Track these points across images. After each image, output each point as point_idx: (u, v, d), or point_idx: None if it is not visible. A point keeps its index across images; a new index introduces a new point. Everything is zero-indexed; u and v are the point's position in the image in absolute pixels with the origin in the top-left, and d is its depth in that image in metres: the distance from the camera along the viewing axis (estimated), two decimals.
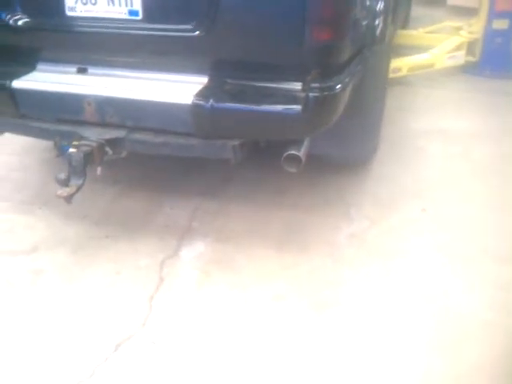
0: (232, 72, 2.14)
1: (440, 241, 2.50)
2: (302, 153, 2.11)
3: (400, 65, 4.11)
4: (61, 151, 2.33)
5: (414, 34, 4.98)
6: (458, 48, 4.40)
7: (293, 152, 2.10)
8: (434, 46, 4.43)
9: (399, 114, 3.76)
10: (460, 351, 1.94)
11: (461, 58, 4.39)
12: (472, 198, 2.82)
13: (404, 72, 4.15)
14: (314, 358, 1.93)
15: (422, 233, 2.56)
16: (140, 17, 2.15)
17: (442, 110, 3.85)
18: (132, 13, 2.16)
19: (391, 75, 3.90)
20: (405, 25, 5.21)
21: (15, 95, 2.32)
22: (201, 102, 2.07)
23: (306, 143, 2.19)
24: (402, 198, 2.81)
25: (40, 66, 2.41)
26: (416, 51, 4.44)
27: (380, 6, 2.48)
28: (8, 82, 2.31)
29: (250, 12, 2.00)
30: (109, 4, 2.17)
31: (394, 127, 3.53)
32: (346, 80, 2.11)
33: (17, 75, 2.34)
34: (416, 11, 5.91)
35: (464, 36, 4.49)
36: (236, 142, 2.16)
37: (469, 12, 5.29)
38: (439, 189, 2.89)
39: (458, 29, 4.69)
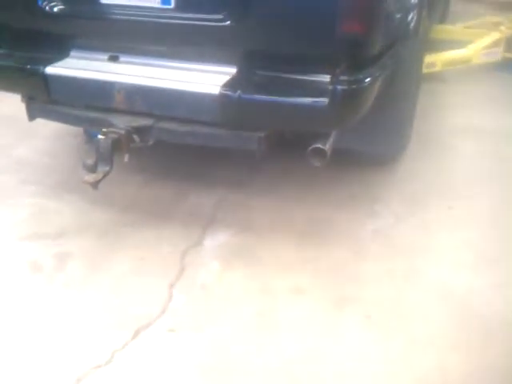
0: (260, 63, 2.13)
1: (466, 239, 2.46)
2: (327, 146, 2.10)
3: (435, 60, 4.01)
4: (90, 138, 2.36)
5: (452, 29, 4.85)
6: (496, 44, 4.27)
7: (318, 145, 2.09)
8: (472, 41, 4.31)
9: (432, 109, 3.69)
10: (481, 351, 1.91)
11: (498, 54, 4.26)
12: (501, 197, 2.75)
13: (439, 67, 4.06)
14: (331, 355, 1.92)
15: (448, 230, 2.52)
16: (172, 5, 2.16)
17: (475, 107, 3.76)
18: (164, 1, 2.17)
19: (426, 70, 3.82)
20: (443, 19, 5.09)
21: (48, 81, 2.36)
22: (228, 93, 2.07)
23: (332, 137, 2.18)
24: (429, 195, 2.77)
25: (73, 53, 2.44)
26: (453, 46, 4.33)
27: None
28: (42, 68, 2.35)
29: (281, 3, 1.99)
30: None
31: (426, 123, 3.46)
32: (376, 74, 2.08)
33: (50, 61, 2.38)
34: (456, 6, 5.77)
35: (503, 32, 4.36)
36: (262, 134, 2.16)
37: (509, 7, 5.15)
38: (468, 187, 2.83)
39: (498, 24, 4.56)
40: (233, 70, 2.17)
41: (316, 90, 2.03)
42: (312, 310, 2.11)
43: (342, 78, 1.99)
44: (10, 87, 2.54)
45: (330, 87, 1.99)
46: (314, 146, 2.09)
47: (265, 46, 2.09)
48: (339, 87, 1.98)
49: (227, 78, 2.14)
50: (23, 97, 2.54)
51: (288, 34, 2.01)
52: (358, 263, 2.33)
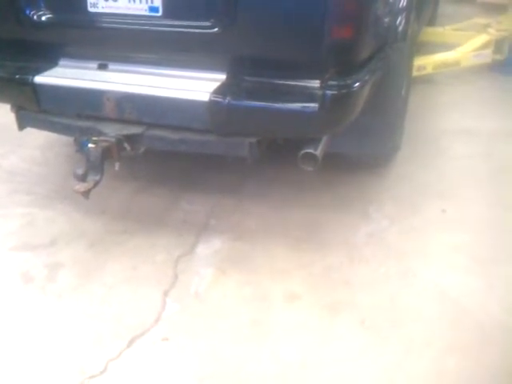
0: (250, 69, 2.13)
1: (460, 242, 2.46)
2: (318, 151, 2.09)
3: (425, 63, 4.03)
4: (80, 146, 2.35)
5: (441, 32, 4.88)
6: (485, 46, 4.29)
7: (309, 151, 2.08)
8: (461, 43, 4.33)
9: (423, 112, 3.70)
10: (476, 354, 1.91)
11: (488, 56, 4.28)
12: (494, 199, 2.76)
13: (429, 70, 4.07)
14: (326, 361, 1.92)
15: (442, 233, 2.52)
16: (160, 13, 2.16)
17: (466, 109, 3.77)
18: (152, 9, 2.17)
19: (416, 73, 3.84)
20: (432, 22, 5.12)
21: (37, 90, 2.35)
22: (218, 99, 2.07)
23: (323, 141, 2.17)
24: (422, 198, 2.77)
25: (62, 62, 2.44)
26: (443, 49, 4.35)
27: (402, 3, 2.44)
28: (30, 78, 2.34)
29: (269, 9, 1.99)
30: (130, 1, 2.18)
31: (417, 126, 3.47)
32: (365, 78, 2.08)
33: (39, 70, 2.37)
34: (444, 8, 5.80)
35: (492, 33, 4.38)
36: (253, 140, 2.16)
37: (498, 9, 5.19)
38: (461, 189, 2.84)
39: (486, 26, 4.58)
40: (222, 77, 2.16)
41: (306, 95, 2.02)
42: (307, 316, 2.10)
43: (332, 82, 1.99)
44: None
45: (320, 92, 1.99)
46: (304, 151, 2.09)
47: (253, 52, 2.09)
48: (329, 92, 1.98)
49: (217, 84, 2.13)
50: (13, 106, 2.52)
51: (276, 40, 2.01)
52: (353, 267, 2.33)
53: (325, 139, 2.19)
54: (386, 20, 2.24)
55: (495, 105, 3.85)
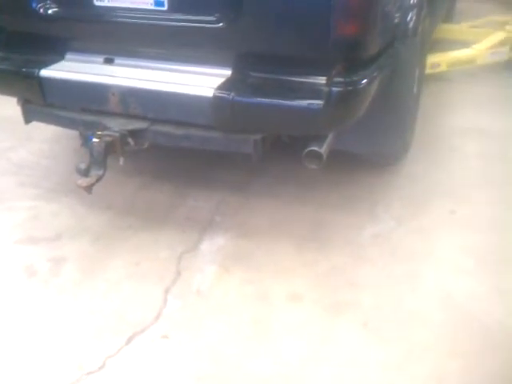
0: (255, 65, 2.10)
1: (468, 244, 2.40)
2: (323, 149, 2.06)
3: (439, 60, 3.96)
4: (85, 141, 2.34)
5: (457, 29, 4.79)
6: (502, 44, 4.20)
7: (314, 148, 2.05)
8: (477, 41, 4.25)
9: (436, 110, 3.64)
10: (479, 359, 1.86)
11: (504, 54, 4.19)
12: (504, 200, 2.69)
13: (443, 67, 4.00)
14: (327, 363, 1.89)
15: (450, 235, 2.46)
16: (165, 7, 2.14)
17: (480, 107, 3.70)
18: (158, 3, 2.15)
19: (430, 70, 3.78)
20: (448, 18, 5.04)
21: (43, 84, 2.36)
22: (222, 95, 2.04)
23: (329, 139, 2.14)
24: (431, 199, 2.72)
25: (68, 56, 2.44)
26: (459, 46, 4.27)
27: None
28: (36, 71, 2.35)
29: (274, 4, 1.95)
30: None
31: (429, 124, 3.42)
32: (373, 75, 2.04)
33: (45, 64, 2.37)
34: (462, 4, 5.71)
35: (509, 31, 4.29)
36: (257, 137, 2.13)
37: None
38: (471, 190, 2.78)
39: (504, 24, 4.49)
40: (227, 72, 2.14)
41: (311, 91, 1.99)
42: (309, 317, 2.07)
43: (338, 79, 1.96)
44: (5, 90, 2.53)
45: (326, 89, 1.96)
46: (309, 148, 2.06)
47: (259, 47, 2.06)
48: (335, 89, 1.95)
49: (221, 80, 2.11)
50: (19, 100, 2.52)
51: (282, 35, 1.97)
52: (357, 268, 2.29)
53: (330, 137, 2.15)
54: (395, 16, 2.19)
55: (510, 104, 3.77)
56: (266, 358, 1.90)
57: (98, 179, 2.16)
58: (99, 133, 2.21)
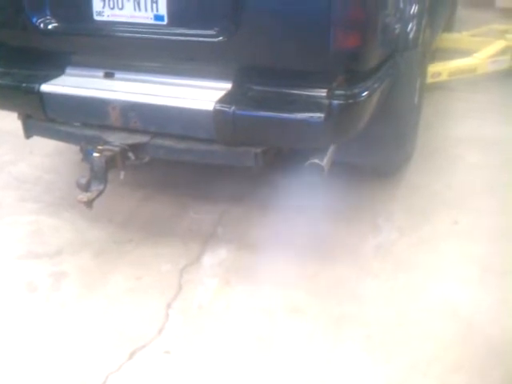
0: (255, 78, 2.10)
1: (472, 255, 2.38)
2: (324, 162, 2.05)
3: (440, 69, 3.95)
4: (86, 155, 2.34)
5: (458, 37, 4.80)
6: (503, 52, 4.21)
7: (315, 161, 2.04)
8: (478, 49, 4.25)
9: (437, 120, 3.63)
10: (484, 373, 1.84)
11: (505, 62, 4.19)
12: (508, 210, 2.67)
13: (444, 77, 3.99)
14: (330, 378, 1.86)
15: (453, 246, 2.45)
16: (165, 22, 2.14)
17: (482, 116, 3.69)
18: (157, 18, 2.15)
19: (431, 80, 3.78)
20: (449, 27, 5.04)
21: (43, 99, 2.35)
22: (223, 109, 2.04)
23: (330, 151, 2.13)
24: (434, 209, 2.70)
25: (68, 70, 2.44)
26: (459, 55, 4.27)
27: (413, 9, 2.39)
28: (37, 86, 2.35)
29: (274, 18, 1.96)
30: (135, 9, 2.17)
31: (431, 134, 3.41)
32: (374, 87, 2.04)
33: (46, 79, 2.37)
34: (462, 13, 5.72)
35: (510, 40, 4.30)
36: (258, 150, 2.13)
37: None
38: (474, 200, 2.76)
39: (504, 32, 4.50)
40: (228, 86, 2.14)
41: (312, 104, 1.99)
42: (311, 331, 2.05)
43: (339, 92, 1.96)
44: (6, 105, 2.54)
45: (326, 102, 1.95)
46: (310, 161, 2.05)
47: (259, 61, 2.06)
48: (336, 102, 1.95)
49: (222, 93, 2.11)
50: (19, 115, 2.53)
51: (281, 48, 1.97)
52: (359, 280, 2.28)
53: (331, 149, 2.15)
54: (396, 27, 2.19)
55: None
56: (268, 374, 1.88)
57: (99, 194, 2.15)
58: (100, 147, 2.21)
